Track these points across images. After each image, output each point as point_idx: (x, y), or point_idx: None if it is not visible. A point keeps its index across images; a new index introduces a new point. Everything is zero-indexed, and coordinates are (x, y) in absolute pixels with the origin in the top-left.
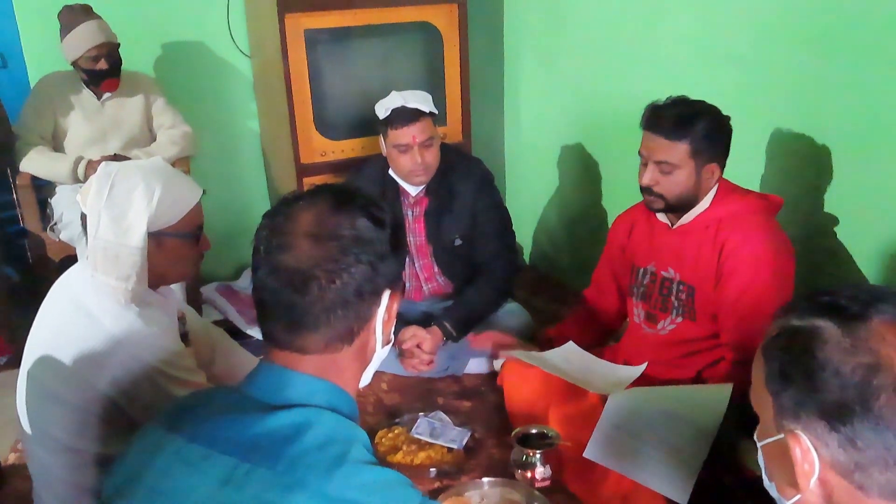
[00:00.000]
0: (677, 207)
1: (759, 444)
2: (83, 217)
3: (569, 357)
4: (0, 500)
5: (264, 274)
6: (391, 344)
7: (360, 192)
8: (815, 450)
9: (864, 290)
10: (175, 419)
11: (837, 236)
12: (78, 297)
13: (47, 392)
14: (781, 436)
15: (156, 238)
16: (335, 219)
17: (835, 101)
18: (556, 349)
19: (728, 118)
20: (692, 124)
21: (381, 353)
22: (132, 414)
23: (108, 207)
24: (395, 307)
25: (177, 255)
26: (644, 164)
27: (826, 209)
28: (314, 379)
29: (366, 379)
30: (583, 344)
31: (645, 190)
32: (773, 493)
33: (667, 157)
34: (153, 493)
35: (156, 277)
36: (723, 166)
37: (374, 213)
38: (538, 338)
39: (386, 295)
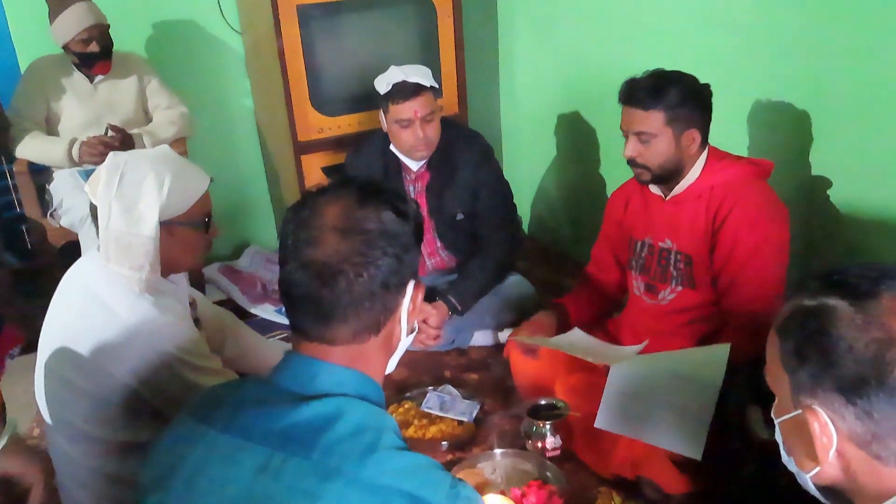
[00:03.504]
0: (665, 177)
1: (776, 421)
2: (93, 208)
3: (574, 342)
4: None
5: (292, 268)
6: (415, 332)
7: (384, 185)
8: (833, 423)
9: (873, 267)
10: (206, 411)
11: (830, 198)
12: (91, 288)
13: (66, 383)
14: (799, 411)
15: (166, 227)
16: (361, 212)
17: (829, 66)
18: (563, 335)
19: (706, 86)
20: (665, 92)
21: (405, 342)
22: (152, 401)
23: (119, 198)
24: (419, 297)
25: (187, 243)
26: (626, 138)
27: (821, 172)
28: (343, 369)
29: (391, 366)
30: (587, 318)
31: (630, 163)
32: (792, 467)
33: (644, 128)
34: (190, 484)
35: (167, 266)
36: (704, 132)
37: (398, 205)
38: (543, 306)
39: (411, 285)
